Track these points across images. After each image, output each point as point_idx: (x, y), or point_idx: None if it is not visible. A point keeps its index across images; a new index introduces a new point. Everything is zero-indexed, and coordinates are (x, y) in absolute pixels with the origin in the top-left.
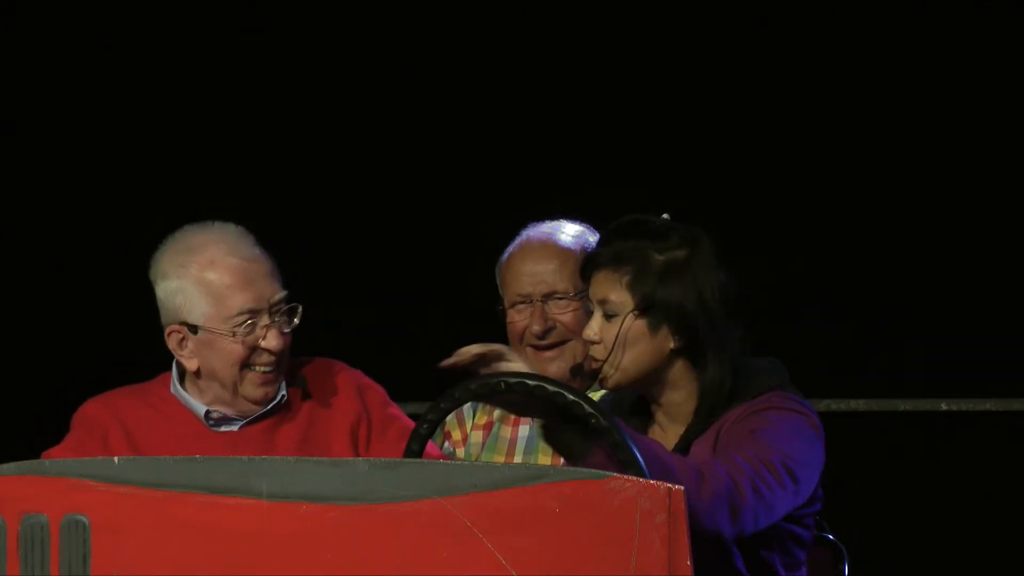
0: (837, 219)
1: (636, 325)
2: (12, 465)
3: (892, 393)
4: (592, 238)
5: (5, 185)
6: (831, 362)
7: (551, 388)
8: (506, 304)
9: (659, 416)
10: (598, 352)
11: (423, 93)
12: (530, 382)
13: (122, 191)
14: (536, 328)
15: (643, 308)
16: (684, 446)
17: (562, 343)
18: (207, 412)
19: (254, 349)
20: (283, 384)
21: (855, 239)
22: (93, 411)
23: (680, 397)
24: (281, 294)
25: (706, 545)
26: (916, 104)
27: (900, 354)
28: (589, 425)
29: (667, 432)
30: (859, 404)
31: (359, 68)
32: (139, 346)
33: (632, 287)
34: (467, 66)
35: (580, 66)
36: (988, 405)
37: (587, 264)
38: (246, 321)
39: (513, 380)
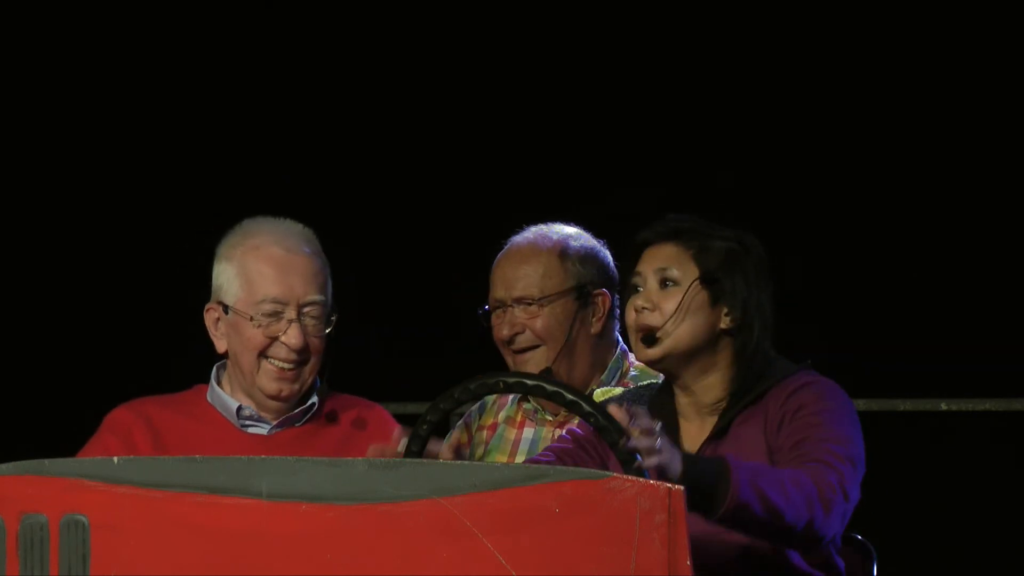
0: (839, 218)
1: (700, 295)
2: (12, 465)
3: (892, 393)
4: (580, 243)
5: (16, 188)
6: (831, 362)
7: (550, 388)
8: (489, 308)
9: (685, 406)
10: (652, 319)
11: (434, 94)
12: (529, 382)
13: (138, 201)
14: (504, 332)
15: (708, 280)
16: (722, 428)
17: (533, 347)
18: (239, 408)
19: (273, 340)
20: (315, 394)
21: (856, 238)
22: (121, 415)
23: (714, 380)
24: (315, 296)
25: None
26: (917, 105)
27: (900, 354)
28: (588, 424)
29: (693, 424)
30: (859, 404)
31: (371, 73)
32: (171, 354)
33: (697, 259)
34: (490, 71)
35: (597, 69)
36: (988, 405)
37: (644, 239)
38: (271, 311)
39: (512, 380)
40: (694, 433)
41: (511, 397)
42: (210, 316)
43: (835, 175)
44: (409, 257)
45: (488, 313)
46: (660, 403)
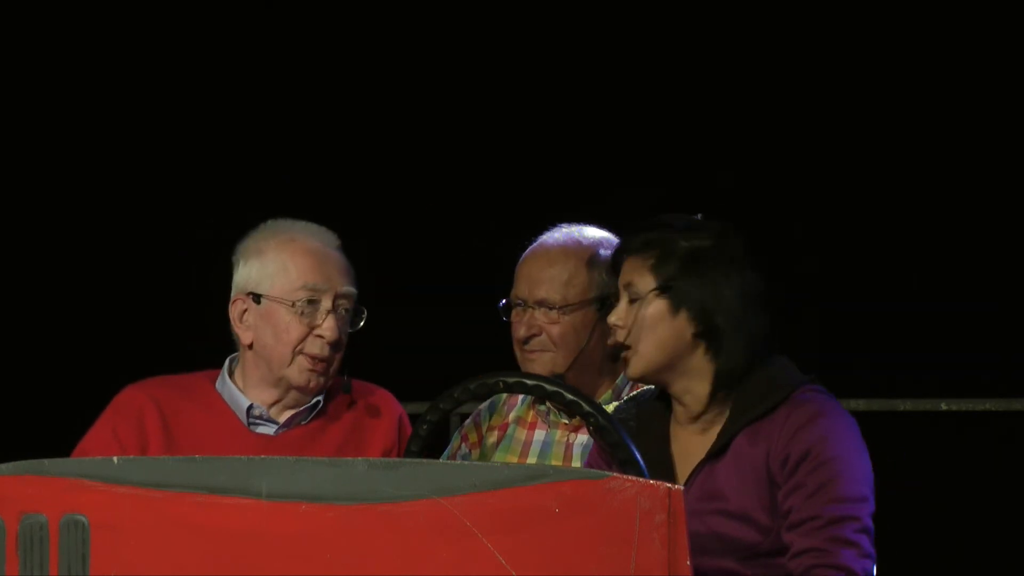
0: (839, 218)
1: (656, 305)
2: (11, 465)
3: (892, 393)
4: (608, 252)
5: (15, 187)
6: (830, 362)
7: (550, 388)
8: (510, 303)
9: (680, 414)
10: (621, 336)
11: (435, 94)
12: (528, 382)
13: (136, 199)
14: (521, 332)
15: (663, 288)
16: (723, 445)
17: (545, 351)
18: (249, 407)
19: (310, 331)
20: (321, 395)
21: (856, 238)
22: (131, 396)
23: (700, 390)
24: (349, 288)
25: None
26: (919, 105)
27: (900, 354)
28: (588, 424)
29: (688, 432)
30: (859, 404)
31: (372, 74)
32: (169, 350)
33: (655, 269)
34: (491, 70)
35: (598, 69)
36: (988, 405)
37: (617, 253)
38: (308, 298)
39: (512, 380)
40: (689, 444)
41: (521, 396)
42: (236, 309)
43: (836, 175)
44: (409, 256)
45: (508, 307)
46: (652, 410)
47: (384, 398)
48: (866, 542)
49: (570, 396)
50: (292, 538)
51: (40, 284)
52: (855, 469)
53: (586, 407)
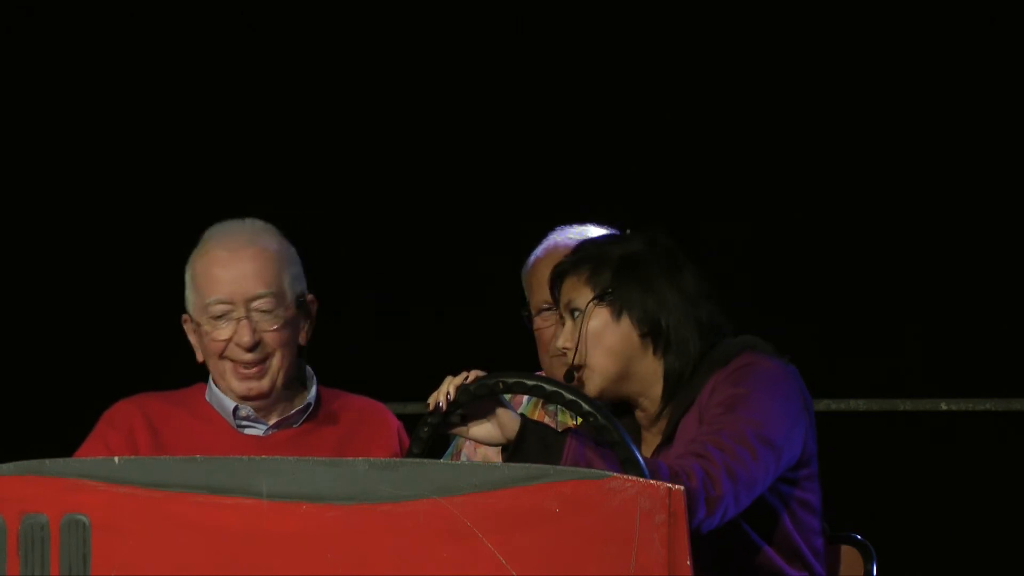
0: (838, 218)
1: (598, 314)
2: (12, 465)
3: (892, 393)
4: None
5: (16, 188)
6: (831, 362)
7: (549, 388)
8: (532, 310)
9: (641, 418)
10: (571, 357)
11: (434, 95)
12: (528, 382)
13: (136, 198)
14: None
15: (600, 296)
16: (671, 431)
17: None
18: (235, 409)
19: (228, 341)
20: (312, 393)
21: (856, 238)
22: (122, 409)
23: (655, 391)
24: (261, 290)
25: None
26: (914, 104)
27: (900, 354)
28: (587, 424)
29: (651, 434)
30: (859, 404)
31: (370, 76)
32: (170, 353)
33: (590, 281)
34: (488, 70)
35: (596, 69)
36: (988, 405)
37: (554, 279)
38: (220, 312)
39: (512, 380)
40: (651, 442)
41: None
42: (187, 328)
43: (834, 172)
44: (409, 257)
45: (530, 316)
46: (619, 418)
47: (380, 409)
48: (743, 453)
49: (569, 396)
50: (292, 538)
51: (41, 286)
52: (762, 399)
53: (586, 406)
